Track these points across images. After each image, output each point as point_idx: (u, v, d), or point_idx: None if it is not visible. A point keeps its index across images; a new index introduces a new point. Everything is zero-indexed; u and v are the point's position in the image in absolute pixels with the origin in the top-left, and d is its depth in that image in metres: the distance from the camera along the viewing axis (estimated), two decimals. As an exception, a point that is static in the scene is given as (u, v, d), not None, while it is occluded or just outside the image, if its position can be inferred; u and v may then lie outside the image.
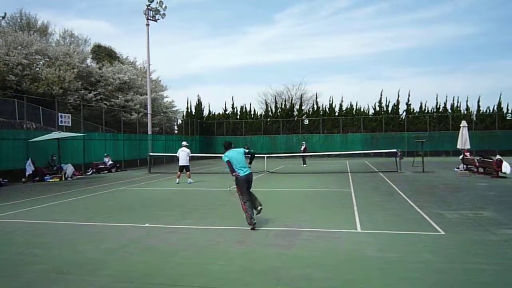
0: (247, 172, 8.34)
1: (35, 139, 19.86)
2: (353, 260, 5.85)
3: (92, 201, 12.68)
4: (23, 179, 19.25)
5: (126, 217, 9.62)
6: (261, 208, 8.24)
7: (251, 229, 7.90)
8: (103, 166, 24.86)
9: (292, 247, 6.61)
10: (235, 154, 8.43)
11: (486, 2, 79.65)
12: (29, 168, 19.55)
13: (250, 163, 9.18)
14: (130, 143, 29.91)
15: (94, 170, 24.06)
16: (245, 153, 8.77)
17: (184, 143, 17.82)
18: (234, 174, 8.20)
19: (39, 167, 20.14)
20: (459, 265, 5.50)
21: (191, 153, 18.68)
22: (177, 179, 17.03)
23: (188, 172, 17.06)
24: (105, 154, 25.58)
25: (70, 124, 23.74)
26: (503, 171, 16.99)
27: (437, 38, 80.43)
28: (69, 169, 20.75)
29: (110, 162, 25.40)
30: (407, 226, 8.00)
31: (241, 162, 8.40)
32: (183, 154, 17.07)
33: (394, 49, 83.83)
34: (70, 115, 24.46)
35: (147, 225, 8.58)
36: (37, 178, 19.56)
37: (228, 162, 8.25)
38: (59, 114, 23.39)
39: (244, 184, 8.24)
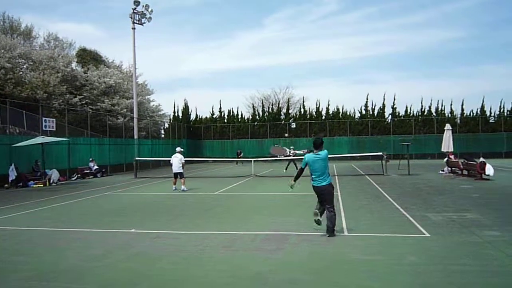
0: (320, 183, 7.52)
1: (18, 144, 19.53)
2: (339, 263, 5.87)
3: (77, 207, 12.50)
4: (6, 185, 18.88)
5: (111, 223, 9.51)
6: (318, 219, 7.52)
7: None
8: (88, 171, 24.55)
9: (279, 251, 6.60)
10: (316, 160, 7.54)
11: (470, 9, 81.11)
12: (12, 174, 19.20)
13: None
14: (116, 148, 29.61)
15: (79, 175, 23.75)
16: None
17: (178, 148, 16.78)
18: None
19: (23, 173, 19.83)
20: (444, 267, 5.55)
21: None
22: (173, 186, 16.17)
23: (182, 179, 16.00)
24: (90, 159, 25.27)
25: (54, 129, 23.44)
26: (486, 173, 17.24)
27: (422, 43, 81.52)
28: (54, 174, 20.46)
29: (96, 167, 25.10)
30: (392, 229, 8.06)
31: (320, 170, 7.54)
32: (175, 161, 16.11)
33: (379, 53, 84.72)
34: (54, 119, 24.17)
35: (132, 230, 8.48)
36: (21, 184, 19.24)
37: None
38: (44, 118, 23.09)
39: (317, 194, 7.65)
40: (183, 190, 15.69)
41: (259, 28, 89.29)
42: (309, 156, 7.67)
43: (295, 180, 8.07)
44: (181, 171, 15.99)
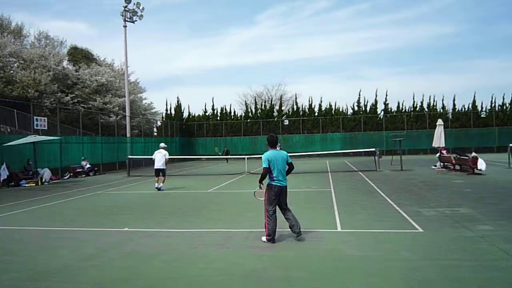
0: (282, 184, 6.98)
1: (9, 143, 19.32)
2: (334, 260, 5.87)
3: (69, 205, 12.41)
4: (-3, 185, 18.74)
5: (105, 222, 9.45)
6: (299, 233, 6.94)
7: (267, 240, 6.87)
8: (80, 170, 24.41)
9: (272, 248, 6.59)
10: (277, 156, 6.97)
11: (462, 3, 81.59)
12: (4, 173, 19.02)
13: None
14: (109, 146, 29.45)
15: (71, 174, 23.59)
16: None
17: (162, 144, 16.08)
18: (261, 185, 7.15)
19: (14, 172, 19.65)
20: (437, 262, 5.58)
21: (170, 155, 16.77)
22: (156, 184, 15.40)
23: (163, 177, 15.39)
24: (83, 158, 25.11)
25: (46, 128, 23.22)
26: (478, 168, 17.37)
27: (413, 38, 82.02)
28: (46, 173, 20.31)
29: (88, 165, 24.96)
30: (386, 225, 8.09)
31: (282, 169, 7.01)
32: (159, 157, 15.29)
33: (371, 49, 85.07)
34: (46, 118, 23.94)
35: (126, 229, 8.43)
36: (12, 183, 19.06)
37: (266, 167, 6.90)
38: (35, 117, 22.86)
39: (276, 196, 6.97)
40: (158, 188, 15.15)
41: (252, 25, 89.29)
42: (271, 153, 7.01)
43: (261, 182, 7.34)
44: (164, 167, 15.32)
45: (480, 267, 5.35)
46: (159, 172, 15.37)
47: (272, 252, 6.37)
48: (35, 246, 7.22)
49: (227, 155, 35.94)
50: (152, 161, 15.91)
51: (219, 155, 35.02)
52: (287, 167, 7.18)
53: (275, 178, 6.93)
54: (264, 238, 6.95)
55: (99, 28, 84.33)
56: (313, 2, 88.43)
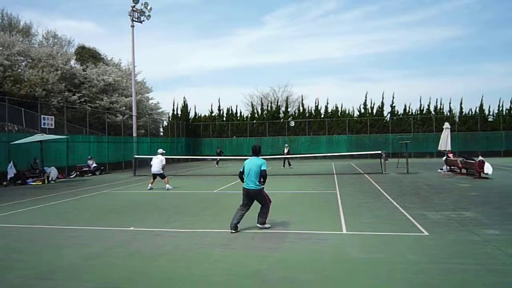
0: (248, 186, 8.01)
1: (17, 142, 19.48)
2: (338, 262, 5.87)
3: (76, 204, 12.49)
4: (5, 183, 18.86)
5: (110, 221, 9.50)
6: (260, 226, 8.11)
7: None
8: (87, 169, 24.55)
9: (277, 249, 6.60)
10: (251, 165, 8.08)
11: (472, 6, 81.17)
12: (11, 171, 19.18)
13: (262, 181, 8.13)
14: (115, 146, 29.59)
15: (77, 173, 23.72)
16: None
17: (160, 150, 16.69)
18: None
19: (21, 170, 19.80)
20: (443, 266, 5.55)
21: (176, 155, 17.64)
22: (150, 185, 16.07)
23: (165, 179, 16.00)
24: (89, 157, 25.26)
25: (53, 126, 23.38)
26: (485, 172, 17.26)
27: (421, 41, 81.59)
28: (53, 172, 20.45)
29: (94, 164, 25.10)
30: (391, 227, 8.07)
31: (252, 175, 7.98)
32: (155, 162, 16.03)
33: (378, 51, 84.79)
34: (53, 117, 24.10)
35: (131, 228, 8.48)
36: (19, 182, 19.22)
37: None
38: (42, 116, 23.04)
39: (243, 196, 8.13)
40: (167, 189, 15.59)
41: (259, 26, 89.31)
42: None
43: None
44: (161, 172, 15.93)
45: (485, 271, 5.32)
46: (155, 176, 16.12)
47: (277, 253, 6.38)
48: (41, 245, 7.28)
49: (219, 156, 32.31)
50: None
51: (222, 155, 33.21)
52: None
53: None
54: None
55: (107, 27, 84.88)
56: (321, 3, 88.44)
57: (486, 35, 79.73)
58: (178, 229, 8.34)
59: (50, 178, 20.00)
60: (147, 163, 32.57)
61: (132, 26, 32.24)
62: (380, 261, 5.84)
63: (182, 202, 12.48)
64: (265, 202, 8.10)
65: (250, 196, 8.05)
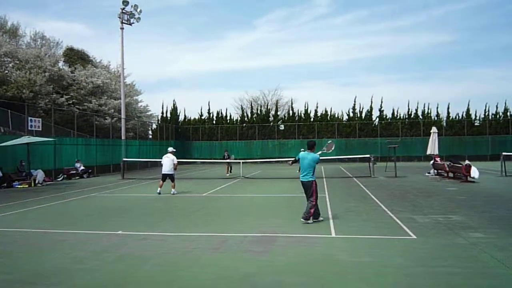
0: (303, 179, 9.14)
1: (3, 144, 19.21)
2: (327, 265, 5.88)
3: (63, 208, 12.35)
4: (-10, 186, 18.59)
5: (98, 225, 9.41)
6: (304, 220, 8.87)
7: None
8: (74, 171, 24.27)
9: (267, 253, 6.59)
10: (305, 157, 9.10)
11: (459, 12, 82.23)
12: (-3, 174, 18.91)
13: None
14: (103, 148, 29.32)
15: (65, 176, 23.46)
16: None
17: (170, 148, 15.64)
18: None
19: (7, 173, 19.51)
20: (430, 269, 5.60)
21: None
22: (159, 189, 14.89)
23: (173, 182, 14.97)
24: (77, 160, 25.00)
25: (40, 129, 23.11)
26: (471, 175, 17.46)
27: (409, 46, 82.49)
28: (39, 175, 20.18)
29: (82, 167, 24.84)
30: (380, 231, 8.11)
31: (305, 167, 9.04)
32: (166, 161, 14.92)
33: (368, 56, 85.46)
34: (40, 119, 23.83)
35: (119, 232, 8.40)
36: (5, 185, 18.91)
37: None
38: (29, 118, 22.77)
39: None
40: (173, 193, 14.70)
41: (250, 30, 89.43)
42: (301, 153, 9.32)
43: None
44: (172, 173, 14.87)
45: (471, 274, 5.38)
46: (166, 177, 14.97)
47: (266, 257, 6.37)
48: (27, 249, 7.17)
49: (229, 160, 27.28)
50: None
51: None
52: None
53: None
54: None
55: (96, 29, 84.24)
56: (312, 8, 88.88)
57: (474, 40, 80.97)
58: (166, 233, 8.28)
59: (36, 181, 19.73)
60: (135, 166, 32.48)
61: (122, 28, 32.05)
62: (368, 264, 5.86)
63: (171, 206, 12.41)
64: (311, 195, 8.98)
65: (304, 188, 9.12)
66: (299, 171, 9.98)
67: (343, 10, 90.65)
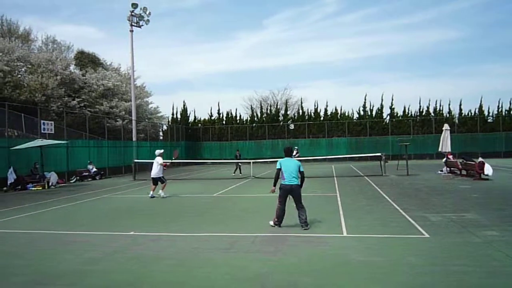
0: (291, 182, 8.54)
1: (17, 147, 19.48)
2: (339, 265, 5.86)
3: (76, 209, 12.48)
4: (5, 188, 18.84)
5: (111, 226, 9.50)
6: (304, 227, 8.36)
7: (274, 224, 8.60)
8: (87, 173, 24.53)
9: (278, 253, 6.59)
10: (288, 163, 8.64)
11: (469, 8, 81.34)
12: (11, 177, 19.16)
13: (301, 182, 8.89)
14: (115, 150, 29.56)
15: (77, 177, 23.71)
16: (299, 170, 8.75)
17: (157, 152, 15.21)
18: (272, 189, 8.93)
19: (21, 175, 19.77)
20: (443, 268, 5.55)
21: (177, 159, 15.47)
22: (151, 192, 14.64)
23: (162, 184, 14.70)
24: (89, 162, 25.25)
25: (53, 132, 23.38)
26: (485, 173, 17.26)
27: (420, 43, 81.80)
28: (53, 177, 20.43)
29: (94, 169, 25.09)
30: (392, 230, 8.06)
31: (293, 172, 8.59)
32: (154, 165, 14.84)
33: (377, 54, 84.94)
34: (53, 122, 24.10)
35: (132, 233, 8.46)
36: (19, 187, 19.18)
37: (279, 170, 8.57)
38: (42, 121, 23.03)
39: (283, 193, 8.57)
40: (162, 197, 14.36)
41: (259, 30, 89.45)
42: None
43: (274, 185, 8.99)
44: (160, 175, 14.64)
45: (485, 273, 5.32)
46: (155, 181, 14.81)
47: (278, 256, 6.37)
48: (41, 250, 7.27)
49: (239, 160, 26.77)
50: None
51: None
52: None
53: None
54: (271, 222, 8.66)
55: (106, 32, 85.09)
56: (321, 6, 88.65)
57: (485, 36, 80.00)
58: (178, 233, 8.33)
59: (50, 183, 19.98)
60: (147, 168, 32.61)
61: (131, 31, 32.30)
62: (380, 263, 5.83)
63: (182, 206, 12.47)
64: (300, 199, 8.63)
65: (289, 192, 8.54)
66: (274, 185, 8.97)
67: (353, 8, 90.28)
